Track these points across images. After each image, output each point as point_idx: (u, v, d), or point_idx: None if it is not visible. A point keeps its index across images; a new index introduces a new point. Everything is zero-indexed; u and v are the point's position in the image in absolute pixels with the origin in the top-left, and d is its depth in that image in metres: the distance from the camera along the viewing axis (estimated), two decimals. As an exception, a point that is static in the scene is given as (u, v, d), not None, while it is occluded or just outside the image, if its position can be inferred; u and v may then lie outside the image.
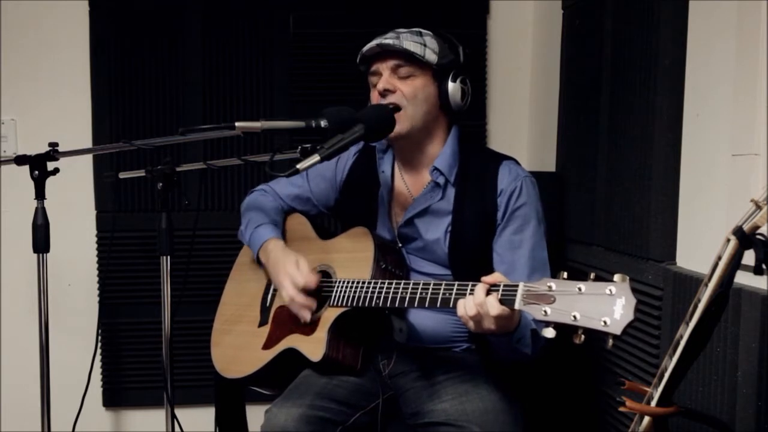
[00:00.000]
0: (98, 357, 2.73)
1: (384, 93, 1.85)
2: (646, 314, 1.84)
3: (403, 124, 1.85)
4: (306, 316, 1.86)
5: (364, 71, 1.93)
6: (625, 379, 1.43)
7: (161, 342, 2.25)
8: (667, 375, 1.29)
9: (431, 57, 1.85)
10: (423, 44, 1.85)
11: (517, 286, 1.48)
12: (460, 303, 1.56)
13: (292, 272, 1.88)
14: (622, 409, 1.30)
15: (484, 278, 1.55)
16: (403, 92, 1.84)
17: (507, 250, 1.86)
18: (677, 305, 1.73)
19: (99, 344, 2.61)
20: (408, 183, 1.97)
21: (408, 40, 1.84)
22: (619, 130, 2.06)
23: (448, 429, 1.74)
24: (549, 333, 1.39)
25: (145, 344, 2.73)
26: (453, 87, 1.87)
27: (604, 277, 1.40)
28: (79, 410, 2.29)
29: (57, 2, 2.71)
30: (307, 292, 1.86)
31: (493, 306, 1.50)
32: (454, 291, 1.61)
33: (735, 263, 1.20)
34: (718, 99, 1.65)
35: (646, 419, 1.34)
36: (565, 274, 1.42)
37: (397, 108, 1.83)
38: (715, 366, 1.59)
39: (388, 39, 1.84)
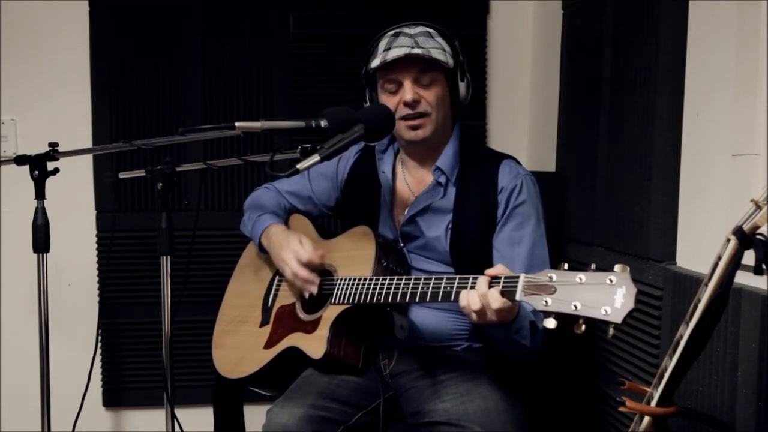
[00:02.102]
0: (98, 357, 2.73)
1: (413, 104, 1.85)
2: (646, 314, 1.84)
3: (427, 129, 1.87)
4: (312, 288, 1.87)
5: (372, 74, 1.92)
6: (625, 379, 1.44)
7: (161, 342, 2.25)
8: (667, 375, 1.29)
9: (450, 61, 1.87)
10: (442, 49, 1.86)
11: (518, 277, 1.49)
12: (463, 294, 1.57)
13: (296, 248, 1.89)
14: (622, 409, 1.30)
15: (487, 270, 1.56)
16: (428, 100, 1.86)
17: (506, 246, 1.87)
18: (677, 305, 1.73)
19: (99, 344, 2.61)
20: (410, 182, 1.98)
21: (431, 47, 1.84)
22: (619, 130, 2.06)
23: (450, 429, 1.74)
24: (550, 323, 1.39)
25: (145, 344, 2.73)
26: (462, 86, 1.91)
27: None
28: (79, 410, 2.29)
29: (57, 2, 2.71)
30: (311, 268, 1.87)
31: (495, 298, 1.51)
32: (456, 284, 1.62)
33: (735, 263, 1.21)
34: (718, 99, 1.65)
35: (646, 419, 1.34)
36: (566, 265, 1.42)
37: (422, 115, 1.85)
38: (715, 366, 1.59)
39: (416, 49, 1.82)
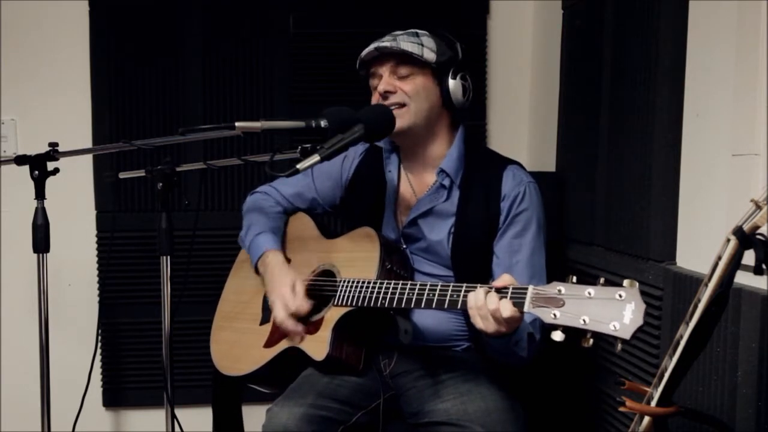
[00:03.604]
0: (98, 357, 2.73)
1: (385, 95, 1.86)
2: (647, 314, 1.83)
3: (405, 119, 1.86)
4: (296, 339, 1.87)
5: (365, 76, 1.95)
6: (625, 379, 1.43)
7: (161, 342, 2.25)
8: (667, 375, 1.29)
9: (429, 56, 1.86)
10: (420, 44, 1.86)
11: (526, 288, 1.48)
12: (471, 296, 1.56)
13: (285, 295, 1.87)
14: (622, 409, 1.30)
15: (494, 282, 1.55)
16: (404, 90, 1.86)
17: (506, 254, 1.87)
18: (677, 305, 1.73)
19: (99, 344, 2.61)
20: (413, 183, 1.98)
21: (405, 41, 1.86)
22: (619, 130, 2.06)
23: (450, 429, 1.74)
24: (558, 336, 1.39)
25: (145, 344, 2.73)
26: (453, 84, 1.88)
27: (609, 278, 1.40)
28: (79, 410, 2.30)
29: (57, 2, 2.71)
30: (297, 317, 1.86)
31: (506, 308, 1.50)
32: (462, 293, 1.61)
33: (735, 263, 1.20)
34: (718, 99, 1.65)
35: (646, 419, 1.34)
36: (575, 278, 1.42)
37: (401, 105, 1.85)
38: (715, 366, 1.59)
39: (385, 42, 1.86)
